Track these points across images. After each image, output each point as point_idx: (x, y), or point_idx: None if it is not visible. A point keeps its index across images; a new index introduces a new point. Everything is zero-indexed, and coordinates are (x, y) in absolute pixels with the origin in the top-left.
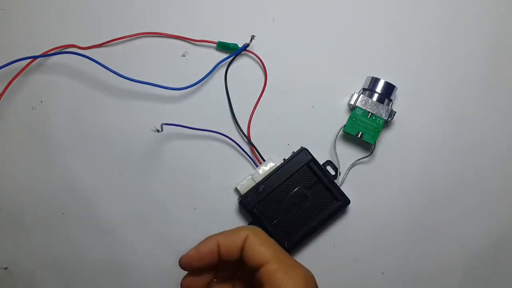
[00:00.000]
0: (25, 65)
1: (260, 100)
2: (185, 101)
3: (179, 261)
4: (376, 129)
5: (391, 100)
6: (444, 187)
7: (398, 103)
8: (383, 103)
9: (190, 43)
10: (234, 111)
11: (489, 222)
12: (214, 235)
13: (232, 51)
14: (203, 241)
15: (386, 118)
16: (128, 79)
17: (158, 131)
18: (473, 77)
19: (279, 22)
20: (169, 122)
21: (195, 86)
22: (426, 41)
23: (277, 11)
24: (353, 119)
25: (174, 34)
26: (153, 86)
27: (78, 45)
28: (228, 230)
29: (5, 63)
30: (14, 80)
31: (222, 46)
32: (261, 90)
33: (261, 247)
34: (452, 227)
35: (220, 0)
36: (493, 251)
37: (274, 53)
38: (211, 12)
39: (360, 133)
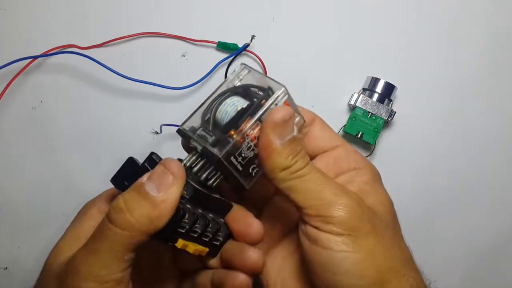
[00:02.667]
0: (25, 65)
1: None
2: (185, 101)
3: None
4: (376, 129)
5: (391, 100)
6: (444, 187)
7: (398, 103)
8: (383, 103)
9: (190, 43)
10: None
11: (490, 222)
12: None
13: (232, 51)
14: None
15: (386, 118)
16: (128, 79)
17: (157, 133)
18: (473, 77)
19: (279, 22)
20: (168, 122)
21: (195, 86)
22: (426, 41)
23: (277, 11)
24: (353, 119)
25: (174, 34)
26: (153, 86)
27: (78, 45)
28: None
29: (5, 63)
30: (14, 80)
31: (222, 46)
32: None
33: (332, 131)
34: (452, 227)
35: (220, 0)
36: (493, 251)
37: (274, 53)
38: (211, 12)
39: (360, 133)
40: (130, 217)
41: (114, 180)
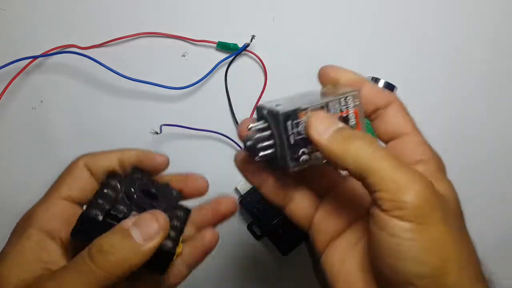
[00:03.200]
0: (25, 65)
1: (260, 100)
2: (185, 101)
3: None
4: None
5: None
6: None
7: None
8: None
9: (190, 43)
10: (234, 111)
11: (490, 222)
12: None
13: (232, 51)
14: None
15: None
16: (128, 79)
17: (156, 133)
18: (473, 77)
19: (279, 22)
20: (168, 122)
21: (195, 86)
22: (426, 40)
23: (277, 11)
24: None
25: (174, 34)
26: (153, 86)
27: (78, 45)
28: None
29: (5, 63)
30: (14, 80)
31: (222, 46)
32: (261, 90)
33: (405, 118)
34: None
35: (221, 0)
36: (494, 250)
37: (274, 53)
38: (211, 12)
39: None
40: (114, 260)
41: (74, 235)
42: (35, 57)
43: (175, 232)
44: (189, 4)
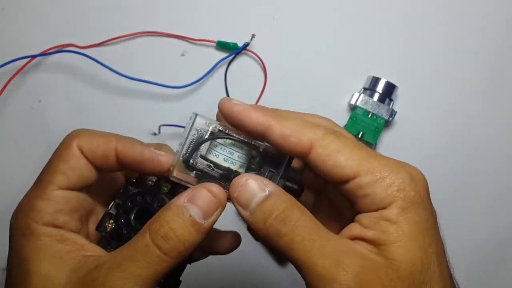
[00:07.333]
0: (23, 64)
1: (260, 100)
2: (185, 100)
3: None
4: (377, 129)
5: (392, 100)
6: (445, 187)
7: (399, 102)
8: (384, 103)
9: (190, 42)
10: None
11: (491, 223)
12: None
13: (232, 50)
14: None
15: (387, 118)
16: (128, 78)
17: (155, 134)
18: (474, 77)
19: (279, 22)
20: (167, 121)
21: (194, 85)
22: (428, 40)
23: (277, 11)
24: (354, 119)
25: (173, 33)
26: (152, 85)
27: (77, 44)
28: (281, 114)
29: (3, 62)
30: (13, 80)
31: (221, 45)
32: (261, 89)
33: (340, 156)
34: (453, 228)
35: None
36: (494, 251)
37: (274, 52)
38: (211, 11)
39: (361, 133)
40: (181, 245)
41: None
42: (33, 56)
43: None
44: (189, 3)
